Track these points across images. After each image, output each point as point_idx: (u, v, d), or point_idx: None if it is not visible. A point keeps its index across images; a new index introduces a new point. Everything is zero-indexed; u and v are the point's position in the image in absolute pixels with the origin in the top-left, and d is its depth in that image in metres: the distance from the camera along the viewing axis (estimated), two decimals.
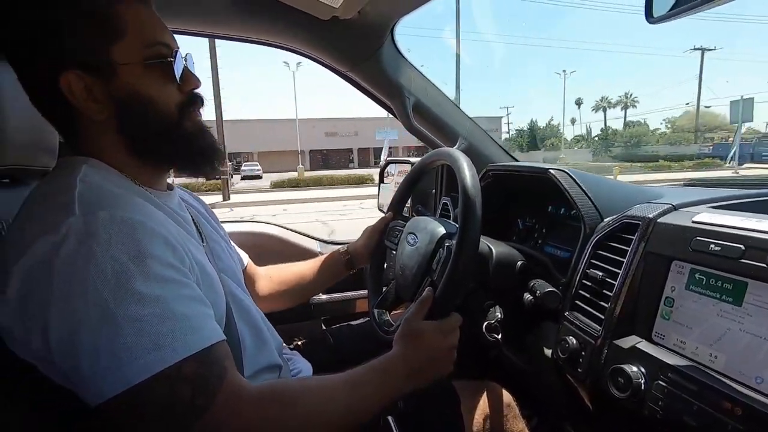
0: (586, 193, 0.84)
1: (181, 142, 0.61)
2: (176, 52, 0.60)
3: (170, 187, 0.69)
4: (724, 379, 0.53)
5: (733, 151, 19.31)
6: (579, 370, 0.70)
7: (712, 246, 0.57)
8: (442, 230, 0.84)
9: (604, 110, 49.37)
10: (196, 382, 0.46)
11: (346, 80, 1.23)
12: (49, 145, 0.73)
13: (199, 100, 0.64)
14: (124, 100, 0.56)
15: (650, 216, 0.68)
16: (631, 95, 49.61)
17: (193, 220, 0.70)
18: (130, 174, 0.59)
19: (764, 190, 0.79)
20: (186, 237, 0.59)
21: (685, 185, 1.23)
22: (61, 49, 0.53)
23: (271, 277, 0.98)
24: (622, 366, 0.62)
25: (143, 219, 0.50)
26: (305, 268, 1.00)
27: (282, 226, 1.43)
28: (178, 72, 0.60)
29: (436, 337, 0.68)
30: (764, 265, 0.52)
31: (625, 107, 50.11)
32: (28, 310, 0.45)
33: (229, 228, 1.29)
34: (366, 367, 0.62)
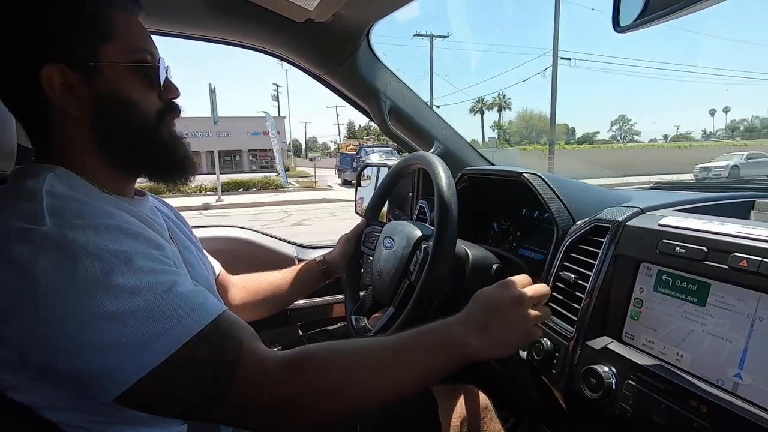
0: (558, 197, 0.86)
1: (156, 148, 0.62)
2: (160, 59, 0.61)
3: (141, 193, 0.69)
4: (690, 378, 0.55)
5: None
6: (553, 371, 0.71)
7: (678, 248, 0.59)
8: (418, 233, 0.85)
9: (482, 112, 48.49)
10: (214, 357, 0.47)
11: (323, 84, 1.23)
12: (5, 148, 0.70)
13: (177, 109, 0.65)
14: (105, 99, 0.56)
15: (619, 219, 0.70)
16: (504, 96, 48.51)
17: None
18: (97, 181, 0.58)
19: (725, 194, 0.82)
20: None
21: (651, 188, 1.27)
22: (51, 43, 0.53)
23: (245, 286, 0.95)
24: (594, 367, 0.63)
25: (120, 223, 0.50)
26: (280, 277, 0.98)
27: (257, 231, 1.40)
28: (161, 79, 0.61)
29: (503, 300, 0.62)
30: (726, 266, 0.54)
31: (500, 108, 49.56)
32: (10, 324, 0.44)
33: (201, 233, 1.26)
34: (414, 330, 0.58)
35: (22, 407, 0.48)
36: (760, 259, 0.51)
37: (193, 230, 0.84)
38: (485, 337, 0.59)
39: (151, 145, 0.61)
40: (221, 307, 0.52)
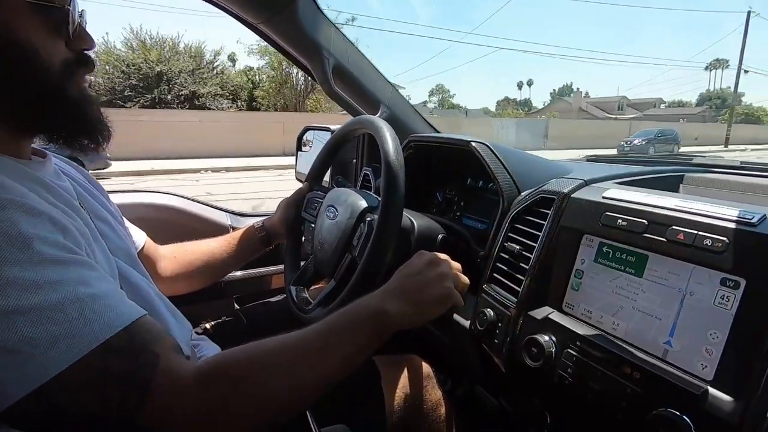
0: (505, 167, 0.85)
1: (60, 107, 0.52)
2: (72, 1, 0.52)
3: (42, 154, 0.59)
4: (625, 345, 0.57)
5: None
6: (495, 340, 0.72)
7: (620, 221, 0.60)
8: (363, 203, 0.81)
9: None
10: (124, 374, 0.40)
11: (259, 35, 1.11)
12: None
13: (90, 63, 0.55)
14: None
15: (564, 191, 0.70)
16: None
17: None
18: None
19: (657, 167, 0.86)
20: (71, 213, 0.50)
21: (587, 160, 1.32)
22: None
23: (176, 257, 0.87)
24: (535, 336, 0.64)
25: (16, 197, 0.41)
26: (215, 246, 0.91)
27: (187, 197, 1.28)
28: (71, 25, 0.51)
29: (418, 263, 0.65)
30: (663, 239, 0.55)
31: None
32: None
33: (122, 199, 1.13)
34: (336, 313, 0.56)
35: None
36: (696, 232, 0.52)
37: (112, 196, 0.74)
38: (403, 301, 0.59)
39: (54, 102, 0.51)
40: (138, 311, 0.45)
